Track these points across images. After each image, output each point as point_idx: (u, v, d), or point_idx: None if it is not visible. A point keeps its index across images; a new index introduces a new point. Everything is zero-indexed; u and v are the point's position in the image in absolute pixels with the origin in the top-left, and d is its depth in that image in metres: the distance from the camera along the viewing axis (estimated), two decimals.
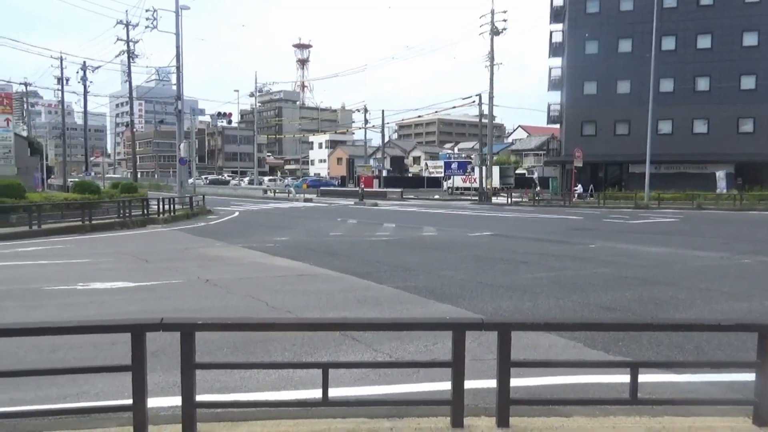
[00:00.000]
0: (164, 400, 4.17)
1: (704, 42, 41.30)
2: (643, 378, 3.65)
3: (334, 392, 4.26)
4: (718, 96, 40.78)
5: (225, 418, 3.57)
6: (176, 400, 3.50)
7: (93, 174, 60.92)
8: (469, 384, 4.08)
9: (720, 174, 37.92)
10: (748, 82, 40.57)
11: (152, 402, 4.14)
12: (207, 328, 3.38)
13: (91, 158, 79.32)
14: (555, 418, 3.68)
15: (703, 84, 41.65)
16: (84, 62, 44.98)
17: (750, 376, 3.65)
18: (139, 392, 3.25)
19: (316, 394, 3.50)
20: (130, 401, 3.31)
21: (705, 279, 9.79)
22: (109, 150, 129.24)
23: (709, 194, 34.79)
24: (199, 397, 3.48)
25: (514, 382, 3.69)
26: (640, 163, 36.22)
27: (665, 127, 41.66)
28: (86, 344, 5.47)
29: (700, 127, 41.84)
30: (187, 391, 3.31)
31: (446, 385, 3.56)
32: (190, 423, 3.32)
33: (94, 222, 19.31)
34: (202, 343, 5.59)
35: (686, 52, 41.32)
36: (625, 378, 3.65)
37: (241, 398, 4.18)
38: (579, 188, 39.45)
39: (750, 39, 40.33)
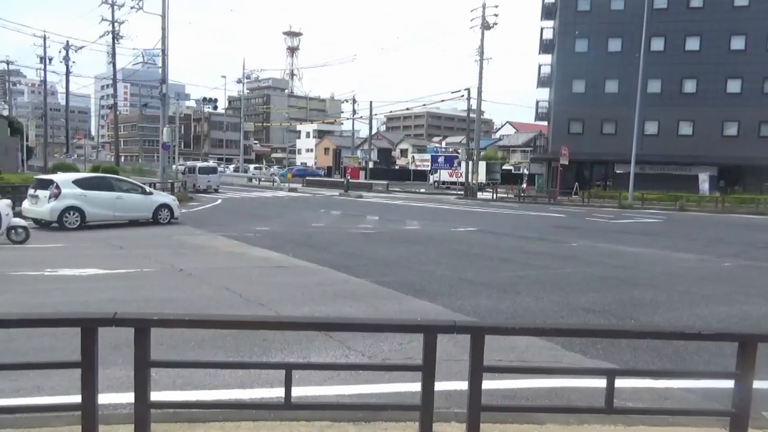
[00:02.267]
0: (122, 397, 3.98)
1: (693, 44, 41.48)
2: (620, 383, 3.54)
3: (302, 391, 4.10)
4: (704, 98, 41.04)
5: (182, 419, 3.40)
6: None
7: (75, 156, 59.84)
8: (442, 386, 3.93)
9: (703, 176, 38.23)
10: (734, 86, 40.86)
11: (110, 398, 3.96)
12: (163, 324, 3.18)
13: (74, 140, 77.99)
14: (528, 425, 3.56)
15: (689, 86, 41.88)
16: (67, 42, 44.04)
17: (727, 383, 3.56)
18: (89, 391, 3.05)
19: (284, 393, 3.34)
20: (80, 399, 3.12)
21: (685, 281, 9.76)
22: (93, 132, 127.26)
23: (692, 196, 35.04)
24: (156, 395, 3.29)
25: (488, 384, 3.55)
26: (625, 162, 36.35)
27: (651, 127, 41.85)
28: (47, 334, 5.24)
29: (685, 128, 42.10)
30: (141, 390, 3.11)
31: (418, 386, 3.42)
32: (143, 423, 3.13)
33: None
34: (169, 335, 5.41)
35: (674, 54, 41.47)
36: (601, 383, 3.54)
37: (200, 398, 4.00)
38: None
39: (737, 43, 40.59)
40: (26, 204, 15.60)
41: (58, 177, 16.45)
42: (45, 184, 15.33)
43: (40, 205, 15.01)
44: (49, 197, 14.84)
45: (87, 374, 3.06)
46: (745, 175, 40.14)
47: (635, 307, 7.69)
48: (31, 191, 15.64)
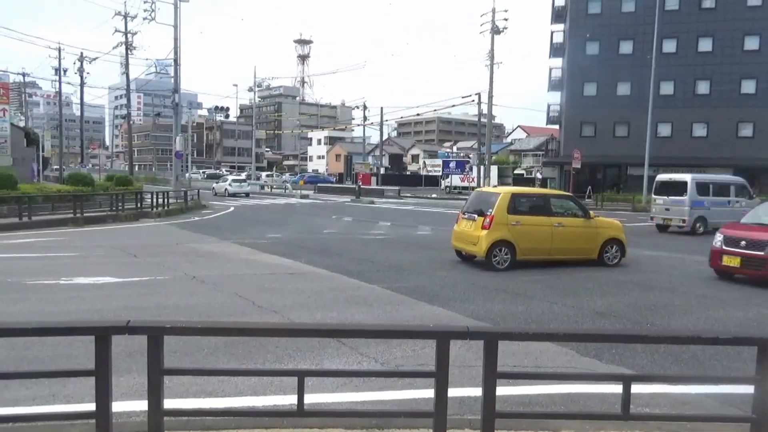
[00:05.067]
0: (137, 404, 3.98)
1: (705, 45, 41.12)
2: (636, 389, 3.48)
3: (315, 398, 4.09)
4: (718, 99, 40.61)
5: (195, 427, 3.40)
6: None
7: (90, 166, 60.51)
8: (456, 392, 3.91)
9: None
10: (748, 86, 40.39)
11: (124, 406, 3.97)
12: (175, 332, 3.19)
13: (89, 150, 78.87)
14: None
15: (703, 87, 41.47)
16: (81, 53, 44.61)
17: (747, 389, 3.49)
18: (103, 398, 3.06)
19: (296, 400, 3.33)
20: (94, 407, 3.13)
21: (702, 285, 9.63)
22: (107, 142, 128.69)
23: None
24: (169, 403, 3.30)
25: (502, 390, 3.51)
26: (638, 165, 36.05)
27: (664, 129, 41.48)
28: (62, 342, 5.27)
29: (699, 130, 41.67)
30: (155, 398, 3.12)
31: (432, 393, 3.39)
32: (157, 431, 3.13)
33: (86, 215, 19.08)
34: (183, 342, 5.43)
35: (687, 55, 41.12)
36: (617, 388, 3.49)
37: (213, 406, 4.00)
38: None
39: (751, 43, 40.15)
40: None
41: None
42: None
43: None
44: None
45: (101, 382, 3.07)
46: (761, 177, 39.53)
47: (651, 311, 7.59)
48: None
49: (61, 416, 3.27)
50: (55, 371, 3.12)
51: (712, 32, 40.70)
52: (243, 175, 53.98)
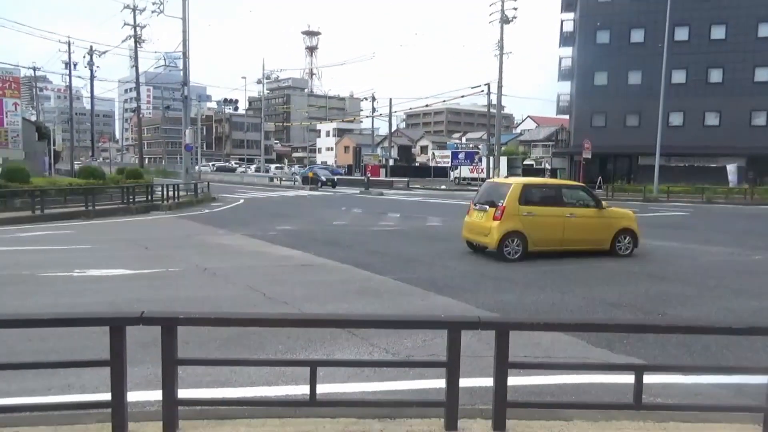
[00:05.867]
0: (151, 394, 4.03)
1: (718, 33, 40.55)
2: (648, 379, 3.48)
3: (326, 388, 4.12)
4: (731, 88, 40.10)
5: (209, 416, 3.43)
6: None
7: (101, 159, 60.86)
8: (466, 382, 3.91)
9: (731, 167, 37.36)
10: (761, 74, 39.84)
11: (139, 396, 4.02)
12: (189, 323, 3.23)
13: (99, 144, 79.25)
14: (554, 421, 3.51)
15: (715, 75, 40.96)
16: (91, 47, 44.75)
17: (760, 379, 3.47)
18: (118, 389, 3.11)
19: (309, 390, 3.36)
20: (110, 396, 3.17)
21: (715, 275, 9.56)
22: (118, 135, 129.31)
23: (720, 188, 34.28)
24: (183, 393, 3.34)
25: (513, 381, 3.51)
26: (649, 155, 35.73)
27: (676, 119, 41.06)
28: (77, 333, 5.32)
29: (711, 119, 41.21)
30: (169, 387, 3.16)
31: (443, 383, 3.40)
32: (171, 421, 3.18)
33: (97, 208, 19.23)
34: (195, 334, 5.46)
35: (699, 43, 40.60)
36: (629, 378, 3.48)
37: (226, 396, 4.04)
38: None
39: (765, 30, 39.54)
40: None
41: None
42: None
43: None
44: None
45: (116, 372, 3.12)
46: None
47: (663, 302, 7.55)
48: None
49: (77, 405, 3.32)
50: (71, 361, 3.16)
51: (725, 19, 40.14)
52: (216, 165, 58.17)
